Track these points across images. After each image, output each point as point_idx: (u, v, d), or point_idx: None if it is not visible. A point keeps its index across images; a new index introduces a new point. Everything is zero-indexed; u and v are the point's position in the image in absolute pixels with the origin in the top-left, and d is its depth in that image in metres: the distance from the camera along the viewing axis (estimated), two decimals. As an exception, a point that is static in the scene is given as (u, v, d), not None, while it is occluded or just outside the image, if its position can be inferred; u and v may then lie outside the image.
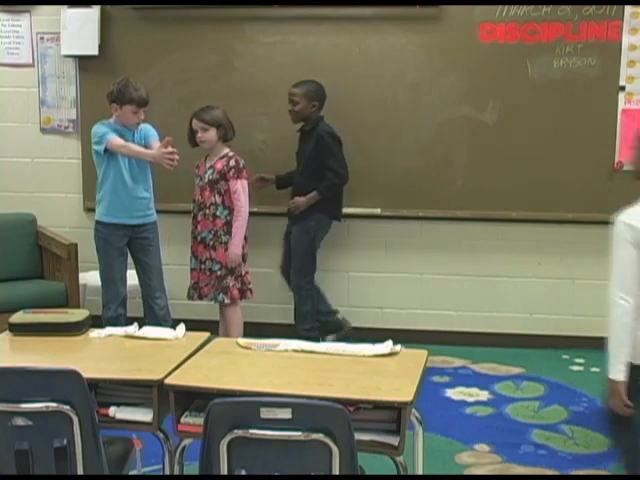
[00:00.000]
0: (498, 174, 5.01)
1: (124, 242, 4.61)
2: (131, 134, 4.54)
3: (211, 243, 4.60)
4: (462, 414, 4.15)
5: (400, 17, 4.98)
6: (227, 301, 4.62)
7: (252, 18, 5.11)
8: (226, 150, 4.61)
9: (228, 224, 4.57)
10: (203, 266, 4.64)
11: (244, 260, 4.64)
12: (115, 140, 4.45)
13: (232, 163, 4.55)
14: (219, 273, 4.59)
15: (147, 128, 4.62)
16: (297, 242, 4.95)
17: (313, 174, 4.81)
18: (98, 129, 4.51)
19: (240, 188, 4.55)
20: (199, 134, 4.56)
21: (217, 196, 4.57)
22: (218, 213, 4.57)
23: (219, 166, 4.57)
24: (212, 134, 4.55)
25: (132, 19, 5.21)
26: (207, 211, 4.59)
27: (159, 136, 4.58)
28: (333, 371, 2.48)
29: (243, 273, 4.65)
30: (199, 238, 4.63)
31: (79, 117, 5.39)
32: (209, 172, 4.59)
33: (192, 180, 4.84)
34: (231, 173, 4.53)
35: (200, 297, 4.70)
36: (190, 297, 4.74)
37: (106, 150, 4.46)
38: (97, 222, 4.62)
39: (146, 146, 4.61)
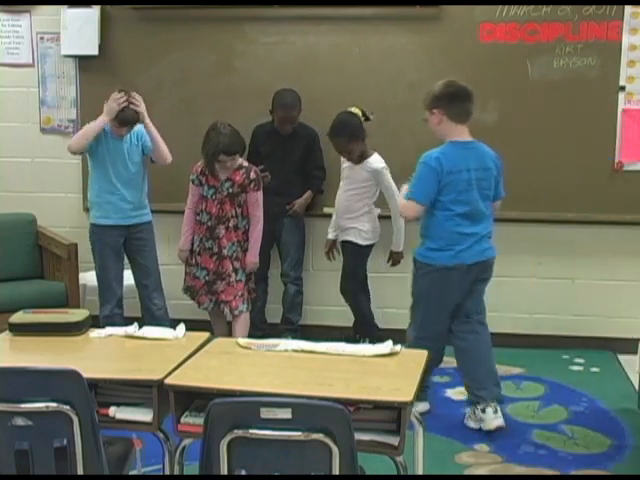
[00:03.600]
0: (498, 174, 5.00)
1: (120, 242, 4.63)
2: (121, 139, 4.55)
3: (235, 255, 4.63)
4: (462, 414, 4.14)
5: (400, 17, 4.98)
6: (249, 307, 4.73)
7: (252, 18, 5.11)
8: (240, 160, 4.61)
9: (246, 232, 4.65)
10: (230, 279, 4.64)
11: None
12: (71, 142, 4.54)
13: (252, 176, 4.58)
14: (244, 279, 4.67)
15: (141, 132, 4.61)
16: (293, 235, 5.08)
17: (302, 173, 5.02)
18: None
19: (260, 199, 4.62)
20: (228, 164, 4.51)
21: (237, 208, 4.61)
22: (239, 224, 4.62)
23: (238, 178, 4.57)
24: (237, 157, 4.57)
25: (132, 19, 5.21)
26: (229, 224, 4.61)
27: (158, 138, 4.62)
28: (333, 371, 2.48)
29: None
30: (225, 253, 4.62)
31: (79, 117, 5.39)
32: (227, 185, 4.57)
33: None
34: (252, 185, 4.58)
35: (231, 311, 4.69)
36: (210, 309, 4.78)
37: (90, 152, 4.54)
38: (92, 224, 4.64)
39: (143, 150, 4.65)
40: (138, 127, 4.57)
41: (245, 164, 4.62)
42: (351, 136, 4.62)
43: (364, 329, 4.94)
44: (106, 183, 4.55)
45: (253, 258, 4.66)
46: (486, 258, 3.83)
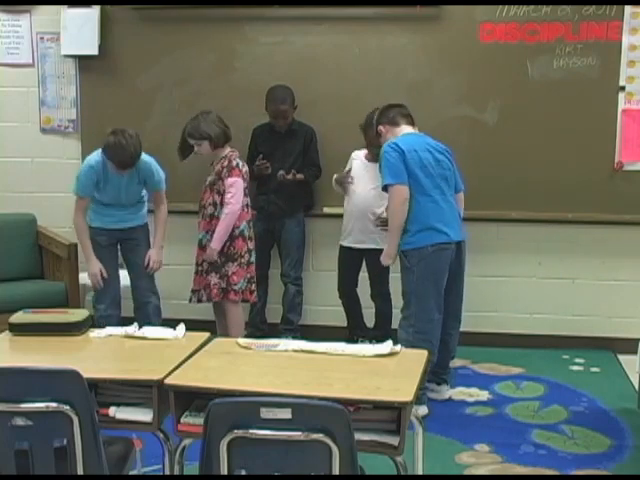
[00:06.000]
0: (498, 174, 5.01)
1: (112, 242, 4.63)
2: (122, 175, 4.46)
3: (207, 244, 4.58)
4: (462, 414, 4.15)
5: (400, 17, 4.98)
6: (204, 299, 4.63)
7: (252, 18, 5.11)
8: (226, 151, 4.59)
9: None
10: (200, 268, 4.62)
11: (233, 260, 4.56)
12: (78, 207, 4.48)
13: (225, 163, 4.54)
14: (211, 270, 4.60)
15: (146, 171, 4.52)
16: (294, 235, 5.08)
17: (300, 170, 4.98)
18: (82, 176, 4.44)
19: (232, 185, 4.50)
20: (195, 148, 4.59)
21: (216, 196, 4.55)
22: (217, 213, 4.55)
23: (218, 167, 4.56)
24: (206, 146, 4.54)
25: (132, 19, 5.21)
26: (205, 211, 4.59)
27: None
28: (333, 371, 2.48)
29: (229, 273, 4.57)
30: (198, 240, 4.62)
31: (79, 117, 5.40)
32: (211, 175, 4.59)
33: (193, 180, 4.85)
34: (224, 172, 4.53)
35: (199, 300, 4.68)
36: (189, 300, 4.73)
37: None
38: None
39: (148, 190, 4.64)
40: (144, 165, 4.50)
41: (230, 153, 4.56)
42: None
43: (385, 329, 4.88)
44: (103, 204, 4.56)
45: (213, 245, 4.52)
46: (462, 239, 4.18)
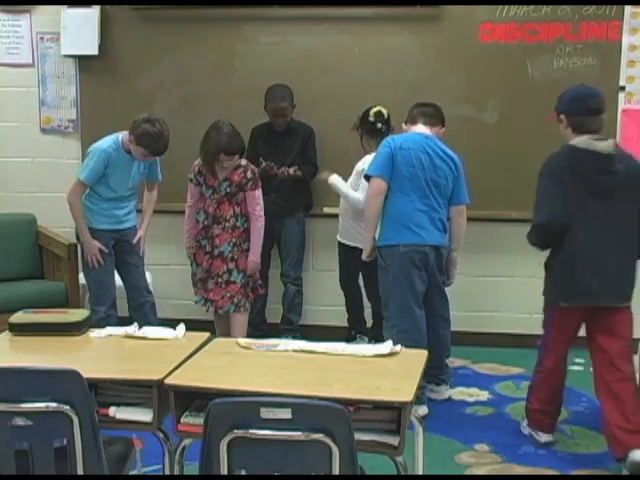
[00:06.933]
0: (498, 174, 5.01)
1: (111, 244, 4.60)
2: (133, 162, 4.47)
3: (230, 255, 4.57)
4: (462, 414, 4.15)
5: (400, 17, 4.99)
6: (244, 309, 4.66)
7: (252, 18, 5.11)
8: (238, 159, 4.54)
9: (246, 231, 4.58)
10: (220, 280, 4.60)
11: None
12: (77, 191, 4.45)
13: (249, 175, 4.53)
14: (243, 282, 4.60)
15: (155, 161, 4.58)
16: (294, 235, 5.09)
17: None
18: (95, 159, 4.38)
19: (258, 197, 4.56)
20: (225, 164, 4.45)
21: (236, 207, 4.56)
22: (238, 224, 4.56)
23: (236, 178, 4.52)
24: (237, 158, 4.49)
25: (132, 19, 5.22)
26: (227, 224, 4.56)
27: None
28: (333, 371, 2.48)
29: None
30: (216, 252, 4.58)
31: (79, 117, 5.40)
32: (225, 184, 4.53)
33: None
34: (249, 185, 4.53)
35: (216, 310, 4.68)
36: (206, 309, 4.74)
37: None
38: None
39: (148, 178, 4.64)
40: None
41: (243, 163, 4.57)
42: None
43: (381, 329, 4.88)
44: (105, 196, 4.52)
45: (254, 258, 4.59)
46: (439, 243, 4.12)
